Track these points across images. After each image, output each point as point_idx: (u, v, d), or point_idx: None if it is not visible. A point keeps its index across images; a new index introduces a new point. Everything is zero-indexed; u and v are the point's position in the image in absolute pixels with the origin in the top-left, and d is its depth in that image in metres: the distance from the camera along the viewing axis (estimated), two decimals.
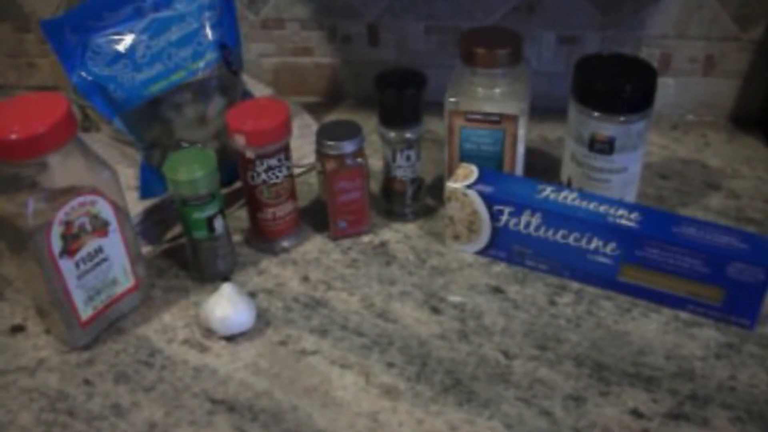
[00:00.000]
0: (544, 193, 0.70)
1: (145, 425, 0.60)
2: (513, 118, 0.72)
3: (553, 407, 0.60)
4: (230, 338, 0.67)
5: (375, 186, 0.81)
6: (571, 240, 0.69)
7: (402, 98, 0.72)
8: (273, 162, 0.71)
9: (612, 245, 0.67)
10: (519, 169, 0.76)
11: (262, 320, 0.69)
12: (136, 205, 0.75)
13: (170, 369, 0.65)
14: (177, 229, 0.77)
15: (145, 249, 0.75)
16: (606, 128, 0.70)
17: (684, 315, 0.67)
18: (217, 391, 0.63)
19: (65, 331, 0.66)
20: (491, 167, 0.74)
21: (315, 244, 0.77)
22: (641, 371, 0.63)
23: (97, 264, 0.65)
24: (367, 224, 0.77)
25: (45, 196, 0.60)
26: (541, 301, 0.69)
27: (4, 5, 1.01)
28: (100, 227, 0.64)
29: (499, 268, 0.73)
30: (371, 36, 0.96)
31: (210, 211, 0.69)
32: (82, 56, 0.73)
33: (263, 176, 0.71)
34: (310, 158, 0.84)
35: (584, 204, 0.69)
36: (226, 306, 0.66)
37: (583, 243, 0.68)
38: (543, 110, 0.84)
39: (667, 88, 0.93)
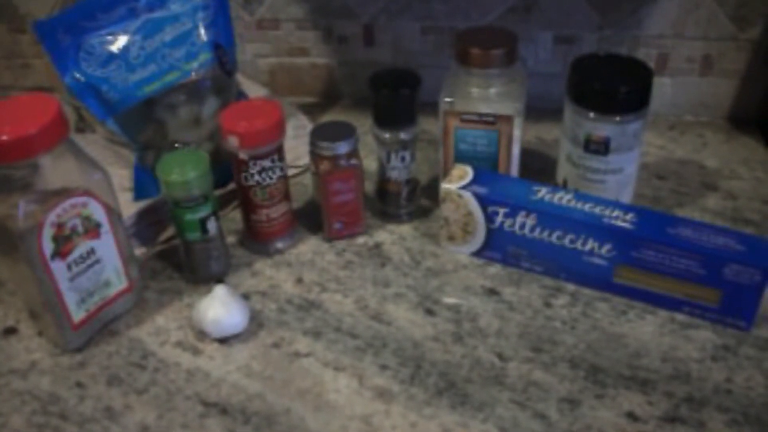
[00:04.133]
0: (540, 194, 0.70)
1: (137, 428, 0.60)
2: (508, 119, 0.71)
3: (548, 410, 0.60)
4: (223, 340, 0.66)
5: (369, 187, 0.81)
6: (566, 241, 0.68)
7: (396, 99, 0.72)
8: (266, 163, 0.70)
9: (607, 246, 0.67)
10: (514, 170, 0.76)
11: (256, 322, 0.68)
12: (130, 207, 0.74)
13: (163, 371, 0.64)
14: (170, 231, 0.76)
15: (139, 250, 0.75)
16: (601, 129, 0.69)
17: (680, 317, 0.67)
18: (209, 394, 0.62)
19: (58, 334, 0.65)
20: (486, 168, 0.74)
21: (309, 246, 0.77)
22: (637, 374, 0.62)
23: (90, 266, 0.64)
24: (362, 225, 0.77)
25: (36, 197, 0.59)
26: (537, 303, 0.69)
27: None
28: (92, 229, 0.63)
29: (494, 269, 0.73)
30: (367, 36, 0.96)
31: (203, 212, 0.69)
32: (76, 57, 0.72)
33: (257, 177, 0.71)
34: (305, 159, 0.84)
35: (580, 205, 0.68)
36: (219, 308, 0.65)
37: (579, 244, 0.68)
38: (539, 111, 0.84)
39: (664, 89, 0.92)
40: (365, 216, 0.77)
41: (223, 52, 0.78)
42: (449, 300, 0.70)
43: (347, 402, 0.61)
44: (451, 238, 0.74)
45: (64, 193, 0.61)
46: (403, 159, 0.75)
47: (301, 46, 0.98)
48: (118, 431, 0.60)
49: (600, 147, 0.70)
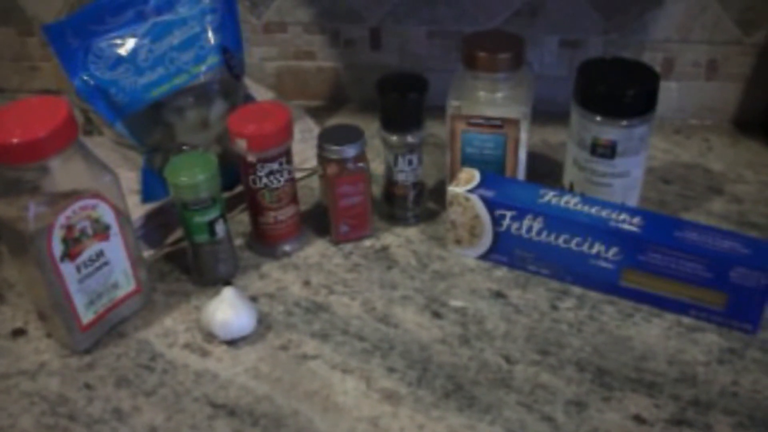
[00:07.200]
0: (546, 198, 0.70)
1: (145, 429, 0.60)
2: (515, 123, 0.72)
3: (555, 412, 0.60)
4: (231, 342, 0.67)
5: (377, 190, 0.81)
6: (573, 244, 0.68)
7: (404, 102, 0.72)
8: (274, 166, 0.71)
9: (614, 250, 0.67)
10: (521, 174, 0.76)
11: (263, 324, 0.68)
12: (138, 209, 0.75)
13: (171, 373, 0.65)
14: (178, 233, 0.77)
15: (147, 253, 0.75)
16: (608, 132, 0.69)
17: (686, 320, 0.67)
18: (217, 396, 0.62)
19: (66, 335, 0.66)
20: (493, 171, 0.74)
21: (316, 249, 0.77)
22: (643, 376, 0.62)
23: (98, 268, 0.65)
24: (369, 228, 0.77)
25: (46, 200, 0.60)
26: (543, 306, 0.69)
27: (7, 9, 1.01)
28: (101, 231, 0.64)
29: (501, 272, 0.73)
30: (373, 40, 0.96)
31: (211, 215, 0.69)
32: (84, 60, 0.73)
33: (265, 180, 0.71)
34: (312, 162, 0.84)
35: (586, 208, 0.68)
36: (227, 310, 0.66)
37: (585, 247, 0.68)
38: (545, 114, 0.84)
39: (670, 92, 0.92)
40: (372, 219, 0.77)
41: (230, 55, 0.79)
42: (456, 303, 0.70)
43: (355, 404, 0.61)
44: (458, 242, 0.74)
45: (73, 195, 0.61)
46: (410, 162, 0.76)
47: (308, 49, 0.98)
48: None
49: (607, 151, 0.70)
